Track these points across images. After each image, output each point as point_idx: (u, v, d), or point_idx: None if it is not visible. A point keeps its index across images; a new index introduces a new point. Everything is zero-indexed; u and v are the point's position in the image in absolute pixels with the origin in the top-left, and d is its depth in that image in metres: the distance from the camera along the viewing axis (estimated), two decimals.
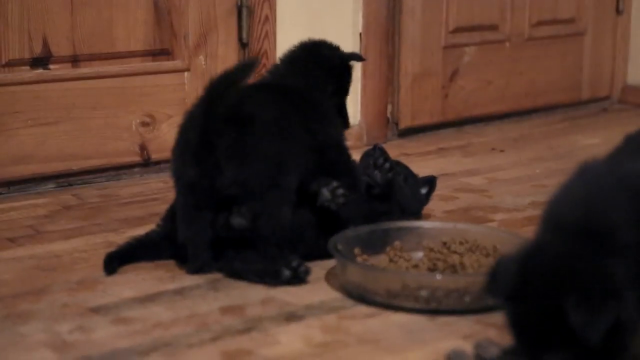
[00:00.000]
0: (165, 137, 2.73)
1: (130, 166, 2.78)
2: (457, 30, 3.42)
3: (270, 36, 2.95)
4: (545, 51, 3.70)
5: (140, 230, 2.20)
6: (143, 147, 2.78)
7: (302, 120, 2.07)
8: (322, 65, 2.19)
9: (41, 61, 2.61)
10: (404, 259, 2.02)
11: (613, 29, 3.90)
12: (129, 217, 2.41)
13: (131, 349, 1.70)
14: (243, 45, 2.92)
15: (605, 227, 1.46)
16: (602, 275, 1.43)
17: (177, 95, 2.80)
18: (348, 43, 3.07)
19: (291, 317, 1.84)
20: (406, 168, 2.34)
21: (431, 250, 2.05)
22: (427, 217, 2.40)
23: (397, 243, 2.07)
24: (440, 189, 2.47)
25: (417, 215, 2.32)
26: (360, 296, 1.90)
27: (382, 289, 1.87)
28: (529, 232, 1.74)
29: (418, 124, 3.36)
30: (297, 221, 2.02)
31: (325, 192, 2.02)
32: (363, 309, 1.88)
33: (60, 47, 2.63)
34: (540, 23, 3.66)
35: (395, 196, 2.23)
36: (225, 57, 2.87)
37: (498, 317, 1.76)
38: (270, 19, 2.95)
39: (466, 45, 3.46)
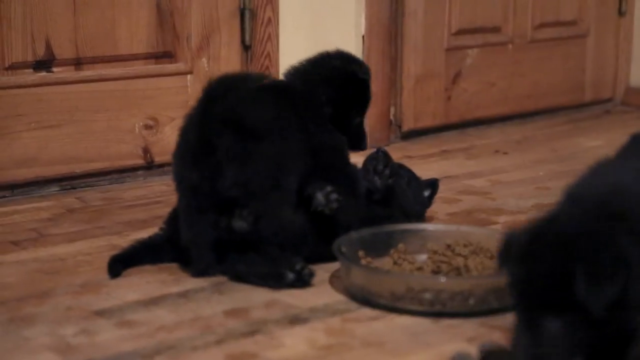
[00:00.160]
0: (168, 139, 2.73)
1: (133, 169, 2.78)
2: (460, 32, 3.42)
3: (273, 38, 2.95)
4: (547, 53, 3.70)
5: (144, 233, 2.20)
6: (146, 150, 2.78)
7: (299, 121, 2.06)
8: (322, 72, 2.17)
9: (44, 64, 2.61)
10: (408, 262, 2.02)
11: (615, 30, 3.90)
12: (133, 220, 2.41)
13: (135, 352, 1.70)
14: (246, 47, 2.92)
15: (624, 209, 1.46)
16: (614, 247, 1.42)
17: (180, 98, 2.80)
18: (351, 45, 3.07)
19: (295, 320, 1.83)
20: (409, 171, 2.34)
21: (435, 252, 2.04)
22: (430, 219, 2.40)
23: (401, 245, 2.07)
24: (443, 192, 2.47)
25: (420, 218, 2.31)
26: (365, 299, 1.90)
27: (386, 292, 1.87)
28: None
29: (421, 126, 3.36)
30: (298, 223, 2.02)
31: (320, 197, 2.00)
32: (367, 311, 1.87)
33: (63, 50, 2.63)
34: (542, 25, 3.66)
35: (397, 200, 2.22)
36: (228, 59, 2.87)
37: (502, 320, 1.76)
38: (273, 22, 2.95)
39: (469, 47, 3.46)
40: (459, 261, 1.99)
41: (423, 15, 3.29)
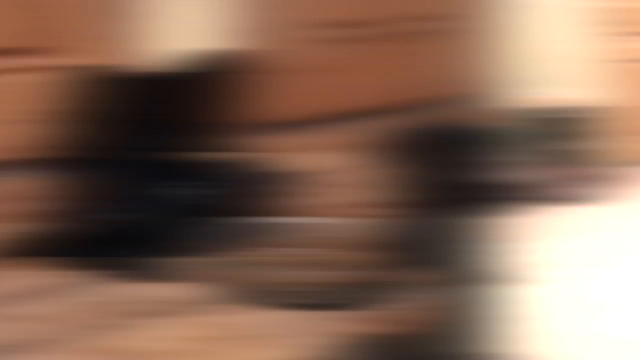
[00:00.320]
0: None
1: None
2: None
3: None
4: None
5: None
6: None
7: None
8: None
9: None
10: (281, 255, 2.04)
11: None
12: None
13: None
14: None
15: None
16: None
17: None
18: None
19: (166, 313, 1.82)
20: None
21: (306, 246, 2.06)
22: (300, 213, 2.42)
23: (271, 239, 2.09)
24: None
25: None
26: (238, 292, 1.91)
27: (259, 285, 1.88)
28: None
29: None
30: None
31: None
32: (234, 305, 1.88)
33: None
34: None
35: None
36: None
37: (374, 314, 1.79)
38: None
39: None
40: (331, 254, 2.01)
41: None
